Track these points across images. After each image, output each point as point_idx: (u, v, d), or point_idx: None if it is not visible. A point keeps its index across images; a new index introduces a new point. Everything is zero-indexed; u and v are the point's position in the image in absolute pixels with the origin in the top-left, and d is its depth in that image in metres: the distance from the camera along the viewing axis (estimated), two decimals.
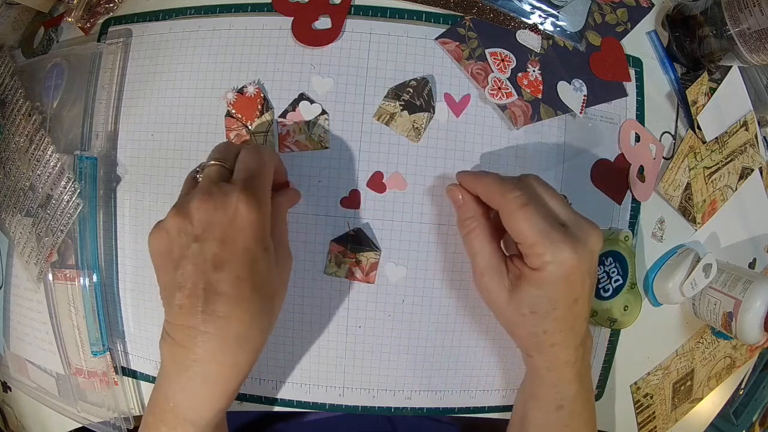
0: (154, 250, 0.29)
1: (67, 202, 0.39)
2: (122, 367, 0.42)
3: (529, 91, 0.39)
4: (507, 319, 0.33)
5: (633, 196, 0.41)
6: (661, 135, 0.43)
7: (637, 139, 0.41)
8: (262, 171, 0.29)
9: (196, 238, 0.27)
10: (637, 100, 0.42)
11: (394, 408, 0.40)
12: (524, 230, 0.30)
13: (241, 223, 0.27)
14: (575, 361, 0.32)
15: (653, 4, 0.44)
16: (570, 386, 0.33)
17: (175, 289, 0.27)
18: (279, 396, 0.40)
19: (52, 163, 0.39)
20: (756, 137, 0.48)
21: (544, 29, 0.40)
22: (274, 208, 0.30)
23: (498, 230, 0.33)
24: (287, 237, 0.33)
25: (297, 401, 0.40)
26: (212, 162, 0.30)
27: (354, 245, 0.37)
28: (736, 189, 0.47)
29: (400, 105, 0.37)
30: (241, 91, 0.37)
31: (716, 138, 0.45)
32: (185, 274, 0.27)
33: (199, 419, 0.29)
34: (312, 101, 0.37)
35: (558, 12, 0.40)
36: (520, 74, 0.39)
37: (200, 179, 0.30)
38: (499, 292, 0.32)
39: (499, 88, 0.38)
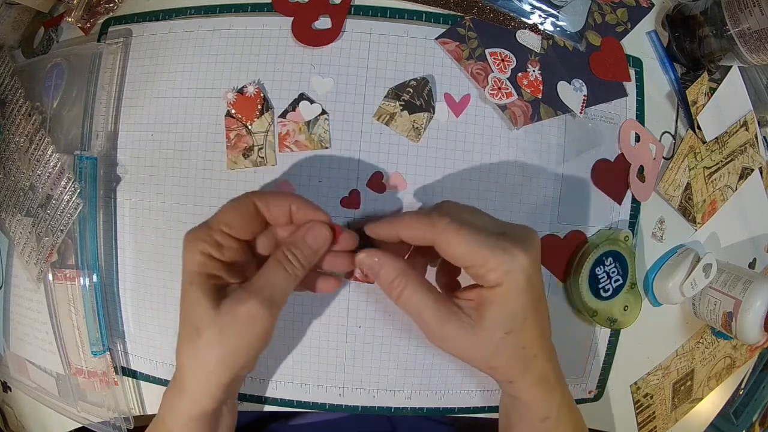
0: None
1: (67, 202, 0.39)
2: (122, 367, 0.42)
3: (529, 91, 0.39)
4: (481, 356, 0.30)
5: (633, 196, 0.41)
6: (661, 135, 0.43)
7: (637, 139, 0.41)
8: (216, 216, 0.31)
9: None
10: (637, 100, 0.42)
11: (394, 408, 0.40)
12: (471, 252, 0.28)
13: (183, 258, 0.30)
14: (553, 367, 0.32)
15: (653, 4, 0.44)
16: (554, 395, 0.32)
17: None
18: (279, 396, 0.40)
19: (52, 163, 0.39)
20: (756, 137, 0.48)
21: (544, 29, 0.40)
22: (271, 257, 0.31)
23: (424, 277, 0.32)
24: (263, 284, 0.30)
25: (297, 401, 0.40)
26: None
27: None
28: (736, 189, 0.47)
29: (400, 105, 0.37)
30: (241, 91, 0.37)
31: (716, 138, 0.45)
32: None
33: (171, 424, 0.32)
34: (312, 101, 0.37)
35: (558, 12, 0.40)
36: (520, 74, 0.39)
37: None
38: (463, 333, 0.29)
39: (499, 88, 0.38)
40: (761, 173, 0.49)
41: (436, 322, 0.30)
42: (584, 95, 0.40)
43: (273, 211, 0.31)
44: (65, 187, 0.39)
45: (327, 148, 0.37)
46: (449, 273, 0.35)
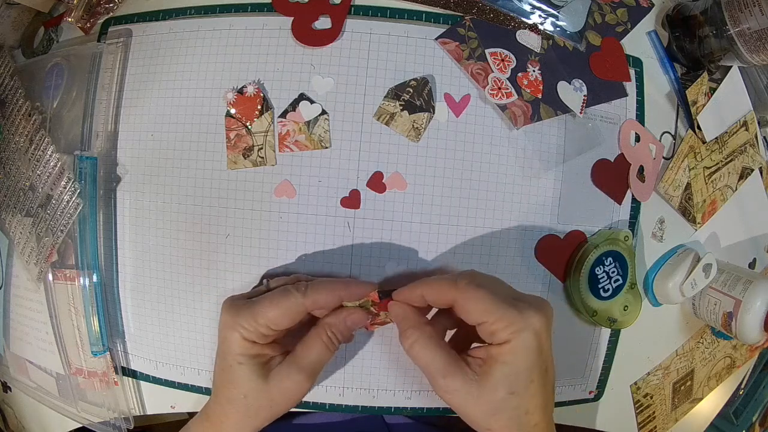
0: None
1: (67, 202, 0.39)
2: (122, 367, 0.42)
3: (529, 91, 0.39)
4: (482, 414, 0.30)
5: (633, 196, 0.41)
6: (661, 135, 0.43)
7: (637, 139, 0.41)
8: (262, 311, 0.32)
9: None
10: (637, 100, 0.42)
11: (394, 408, 0.40)
12: (488, 307, 0.30)
13: (220, 338, 0.33)
14: None
15: (653, 4, 0.44)
16: None
17: None
18: None
19: (52, 163, 0.39)
20: (756, 137, 0.48)
21: (544, 29, 0.40)
22: (314, 336, 0.34)
23: (441, 335, 0.34)
24: (309, 362, 0.33)
25: None
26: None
27: (384, 296, 0.34)
28: (736, 189, 0.47)
29: (400, 105, 0.37)
30: (241, 91, 0.37)
31: (716, 138, 0.45)
32: None
33: None
34: (312, 101, 0.37)
35: (558, 12, 0.40)
36: (520, 74, 0.39)
37: None
38: (467, 387, 0.30)
39: (499, 88, 0.38)
40: (761, 173, 0.49)
41: (443, 373, 0.31)
42: (584, 95, 0.40)
43: (325, 307, 0.33)
44: (65, 187, 0.39)
45: (327, 148, 0.37)
46: (466, 337, 0.36)
